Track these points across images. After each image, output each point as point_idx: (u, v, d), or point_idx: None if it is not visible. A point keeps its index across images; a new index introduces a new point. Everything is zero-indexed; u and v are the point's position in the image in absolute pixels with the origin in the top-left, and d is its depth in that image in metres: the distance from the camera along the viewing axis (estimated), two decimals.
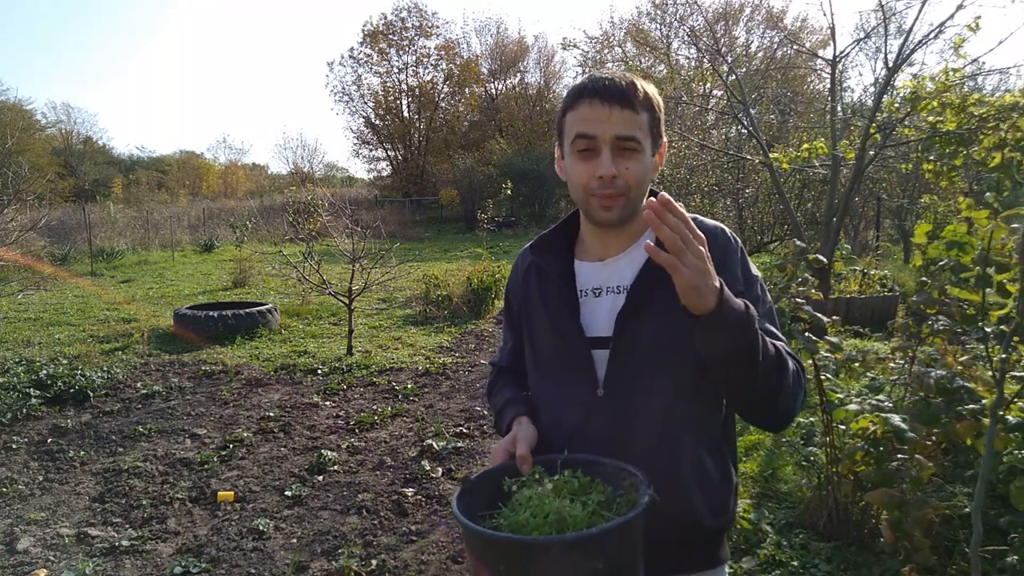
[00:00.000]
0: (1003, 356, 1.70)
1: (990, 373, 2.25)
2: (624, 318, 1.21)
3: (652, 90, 1.21)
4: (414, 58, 33.07)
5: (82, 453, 4.46)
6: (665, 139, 1.26)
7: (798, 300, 2.86)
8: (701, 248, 0.97)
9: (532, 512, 1.02)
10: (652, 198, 0.96)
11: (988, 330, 1.90)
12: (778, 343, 1.15)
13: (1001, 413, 1.93)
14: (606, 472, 1.11)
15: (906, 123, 6.13)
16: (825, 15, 20.38)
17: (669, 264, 0.95)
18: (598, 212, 1.21)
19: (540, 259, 1.34)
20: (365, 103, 33.92)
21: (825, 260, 3.05)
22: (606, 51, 25.62)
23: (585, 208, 1.24)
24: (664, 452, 1.19)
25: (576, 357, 1.25)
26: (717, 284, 1.00)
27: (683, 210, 0.97)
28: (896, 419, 2.35)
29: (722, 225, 1.29)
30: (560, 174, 1.30)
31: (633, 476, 1.07)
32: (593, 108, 1.17)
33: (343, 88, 34.59)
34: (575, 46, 24.75)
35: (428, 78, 33.20)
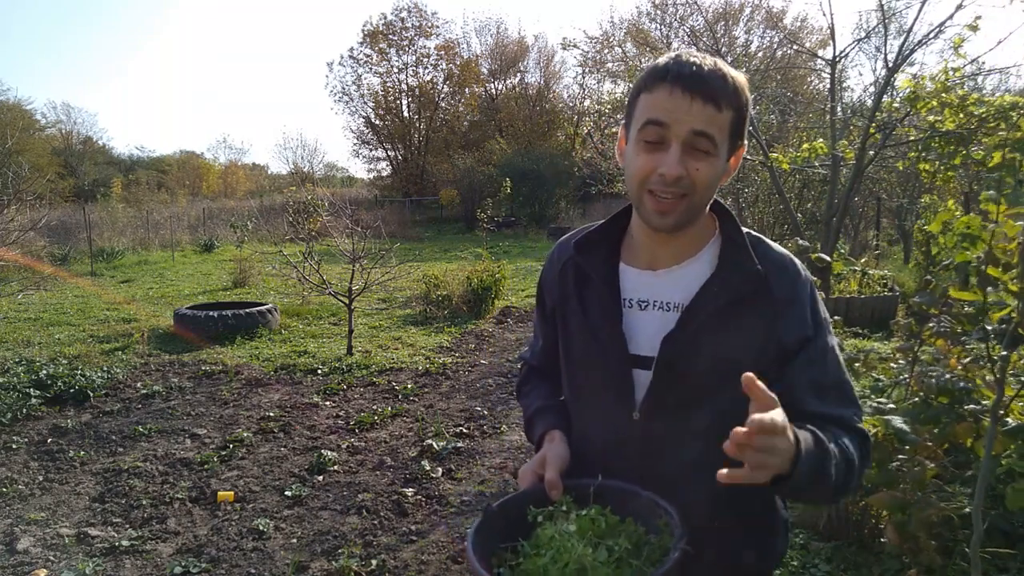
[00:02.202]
0: (1003, 354, 1.70)
1: (991, 376, 2.25)
2: (672, 341, 1.10)
3: (743, 82, 1.06)
4: (414, 58, 33.10)
5: (82, 453, 4.45)
6: (745, 142, 1.12)
7: None
8: (781, 436, 0.87)
9: (553, 557, 0.95)
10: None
11: (988, 328, 1.89)
12: (847, 444, 1.04)
13: (1001, 414, 1.93)
14: (640, 506, 1.02)
15: (906, 123, 6.13)
16: (825, 15, 20.41)
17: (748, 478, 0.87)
18: (652, 215, 1.08)
19: (583, 260, 1.19)
20: (365, 103, 33.95)
21: (828, 259, 3.04)
22: (606, 51, 25.61)
23: (638, 205, 1.11)
24: (700, 484, 1.03)
25: (614, 374, 1.14)
26: (792, 450, 0.90)
27: (769, 395, 0.87)
28: (898, 421, 2.35)
29: (791, 255, 1.15)
30: (619, 159, 1.16)
31: (669, 516, 0.97)
32: (673, 96, 1.02)
33: (343, 88, 34.59)
34: (575, 46, 24.73)
35: (428, 78, 33.22)
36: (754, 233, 1.17)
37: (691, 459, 1.10)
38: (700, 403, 1.10)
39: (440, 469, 4.18)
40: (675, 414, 1.11)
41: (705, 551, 0.98)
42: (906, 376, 2.88)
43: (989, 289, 1.84)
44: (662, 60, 1.06)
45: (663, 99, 1.03)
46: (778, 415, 0.87)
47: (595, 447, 1.19)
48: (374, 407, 5.39)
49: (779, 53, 18.27)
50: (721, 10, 21.43)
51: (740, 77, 1.06)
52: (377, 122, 34.12)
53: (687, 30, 12.27)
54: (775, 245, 1.17)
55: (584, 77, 32.20)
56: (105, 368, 6.25)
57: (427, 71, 33.22)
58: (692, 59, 1.04)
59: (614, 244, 1.21)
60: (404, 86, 33.32)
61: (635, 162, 1.08)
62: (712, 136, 1.03)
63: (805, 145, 6.43)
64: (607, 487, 1.06)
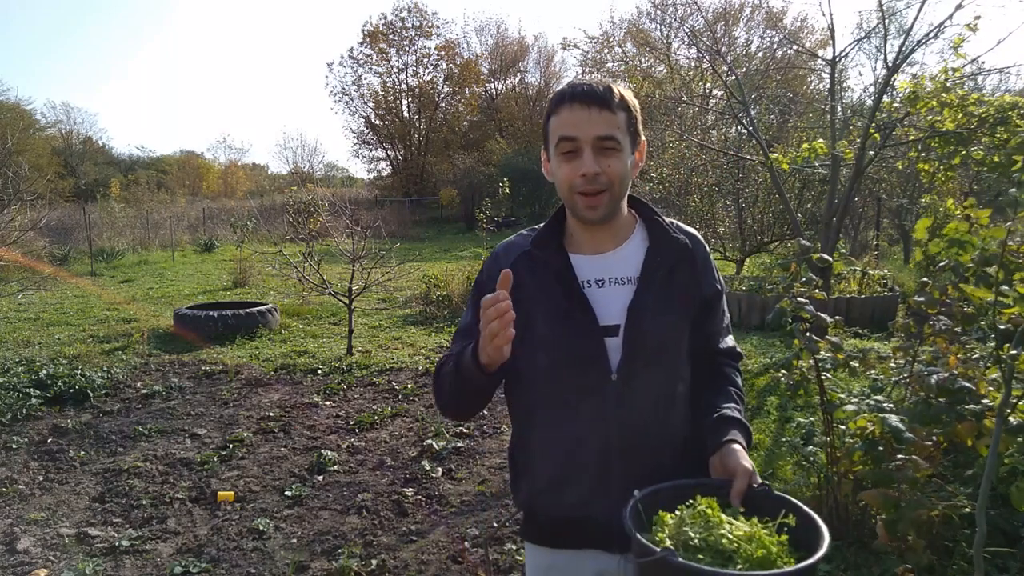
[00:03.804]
0: (1012, 352, 1.69)
1: (995, 375, 2.25)
2: (635, 306, 1.31)
3: (628, 93, 1.30)
4: (414, 58, 33.11)
5: (82, 453, 4.45)
6: (644, 138, 1.36)
7: (800, 300, 2.86)
8: (752, 470, 1.18)
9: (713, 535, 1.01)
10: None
11: (1001, 327, 1.89)
12: (739, 384, 1.43)
13: (1007, 413, 1.93)
14: (769, 505, 1.11)
15: (905, 123, 6.13)
16: (824, 15, 20.40)
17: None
18: (584, 211, 1.29)
19: (541, 252, 1.36)
20: (365, 103, 33.95)
21: (829, 259, 3.04)
22: (606, 51, 25.66)
23: (572, 207, 1.32)
24: (665, 428, 1.35)
25: (590, 345, 1.31)
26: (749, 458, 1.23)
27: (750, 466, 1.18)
28: (894, 419, 2.35)
29: (695, 231, 1.46)
30: (547, 176, 1.38)
31: (806, 515, 1.07)
32: (573, 112, 1.25)
33: (343, 88, 34.57)
34: (575, 46, 24.80)
35: (428, 78, 33.24)
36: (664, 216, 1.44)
37: (659, 411, 1.34)
38: (660, 359, 1.34)
39: (440, 469, 4.18)
40: (644, 371, 1.32)
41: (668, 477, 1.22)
42: (906, 376, 2.89)
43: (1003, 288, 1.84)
44: (559, 89, 1.31)
45: (567, 117, 1.26)
46: (746, 464, 1.19)
47: (577, 419, 1.32)
48: (374, 407, 5.39)
49: (779, 53, 18.28)
50: (721, 10, 21.44)
51: (626, 89, 1.30)
52: (377, 122, 34.12)
53: (687, 30, 12.27)
54: (684, 225, 1.45)
55: (584, 77, 32.19)
56: (105, 368, 6.25)
57: (427, 71, 33.28)
58: (582, 81, 1.29)
59: (559, 239, 1.39)
60: (404, 86, 33.35)
61: (559, 173, 1.30)
62: (614, 136, 1.26)
63: (805, 145, 6.43)
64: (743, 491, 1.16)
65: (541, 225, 1.43)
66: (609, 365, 1.30)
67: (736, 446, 1.24)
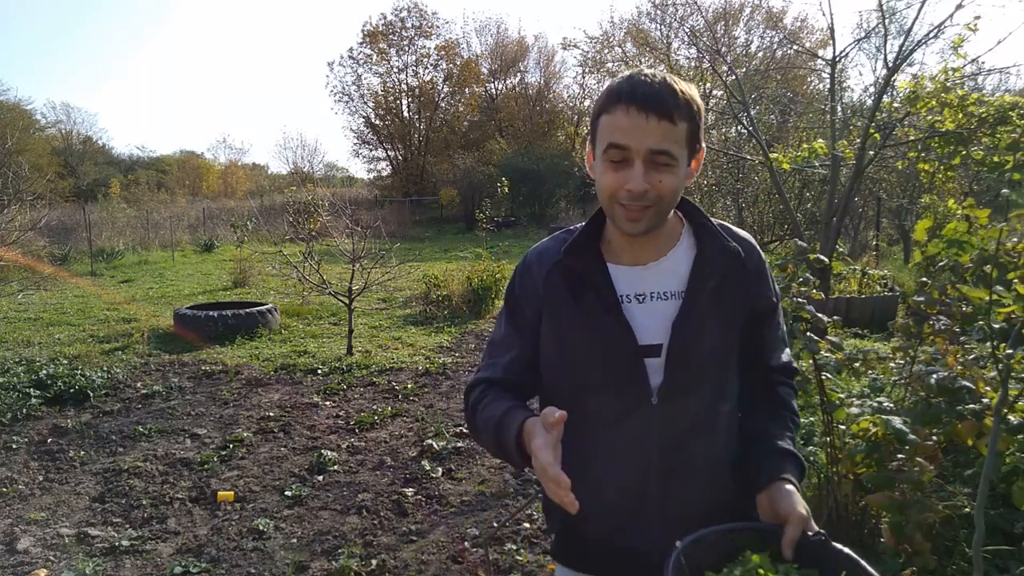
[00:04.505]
0: (1008, 352, 1.70)
1: (993, 373, 2.25)
2: (680, 325, 1.19)
3: (694, 93, 1.14)
4: (414, 58, 33.10)
5: (82, 453, 4.46)
6: (704, 145, 1.21)
7: (799, 300, 2.86)
8: (807, 515, 1.09)
9: None
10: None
11: (996, 326, 1.89)
12: (792, 407, 1.30)
13: (1004, 412, 1.93)
14: (832, 560, 1.03)
15: (905, 123, 6.13)
16: (824, 15, 20.40)
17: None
18: (624, 223, 1.16)
19: (576, 262, 1.24)
20: (365, 103, 33.95)
21: (827, 260, 3.04)
22: (606, 51, 25.59)
23: (611, 215, 1.20)
24: (708, 454, 1.24)
25: (627, 366, 1.20)
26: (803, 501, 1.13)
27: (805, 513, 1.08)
28: (897, 421, 2.35)
29: (749, 236, 1.31)
30: (589, 171, 1.24)
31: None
32: (630, 116, 1.09)
33: (343, 88, 34.56)
34: (575, 46, 24.72)
35: (428, 78, 33.22)
36: (712, 218, 1.28)
37: (702, 434, 1.23)
38: (707, 379, 1.22)
39: (440, 469, 4.18)
40: (687, 392, 1.20)
41: (714, 500, 1.18)
42: (905, 376, 2.89)
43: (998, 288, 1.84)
44: (617, 81, 1.13)
45: (621, 120, 1.10)
46: (801, 509, 1.08)
47: (609, 446, 1.22)
48: (374, 407, 5.39)
49: (779, 53, 18.26)
50: (721, 10, 21.41)
51: (690, 88, 1.13)
52: (377, 122, 34.12)
53: (687, 30, 12.26)
54: (737, 229, 1.30)
55: (584, 77, 32.17)
56: (105, 368, 6.25)
57: (427, 71, 33.26)
58: (644, 78, 1.11)
59: (595, 246, 1.27)
60: (404, 86, 33.34)
61: (603, 179, 1.16)
62: (670, 151, 1.10)
63: (805, 145, 6.43)
64: (803, 541, 1.06)
65: (577, 228, 1.29)
66: (649, 388, 1.19)
67: (789, 487, 1.13)
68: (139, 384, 5.95)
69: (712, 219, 1.27)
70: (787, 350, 1.35)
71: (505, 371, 1.31)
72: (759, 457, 1.21)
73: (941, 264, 1.96)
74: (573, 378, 1.24)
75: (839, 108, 9.64)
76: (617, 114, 1.11)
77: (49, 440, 4.68)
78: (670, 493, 1.21)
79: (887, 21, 6.69)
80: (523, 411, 1.17)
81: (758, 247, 1.29)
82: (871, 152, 6.26)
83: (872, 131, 6.07)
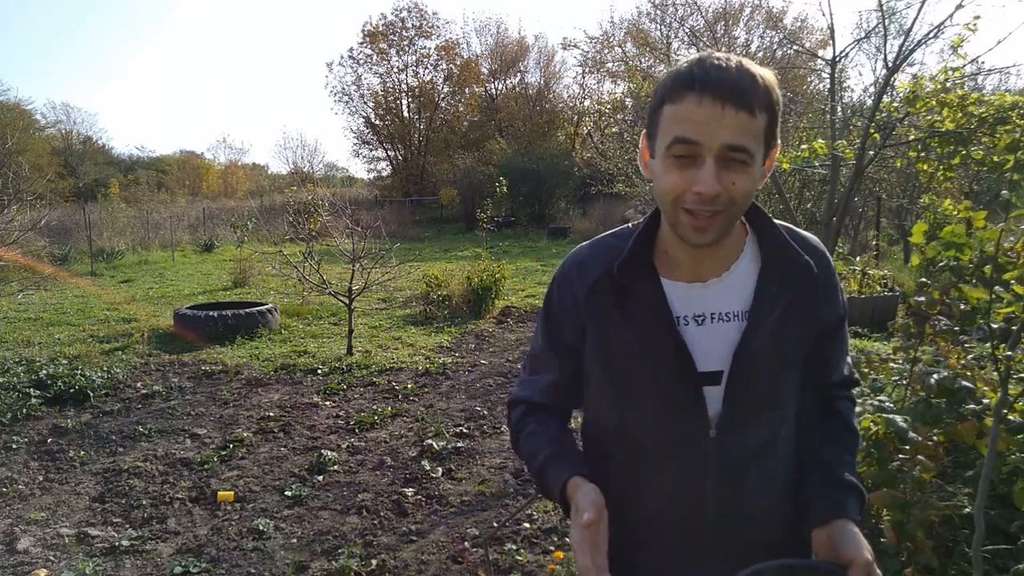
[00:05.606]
0: (1008, 353, 1.70)
1: (994, 373, 2.25)
2: (743, 352, 1.07)
3: (773, 81, 0.98)
4: (414, 58, 33.12)
5: (82, 453, 4.46)
6: (779, 141, 1.05)
7: None
8: (872, 559, 0.98)
9: None
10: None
11: (995, 326, 1.89)
12: (853, 429, 1.21)
13: (1004, 412, 1.94)
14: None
15: (905, 123, 6.13)
16: (824, 15, 20.39)
17: None
18: (689, 233, 1.00)
19: (627, 280, 1.09)
20: (365, 103, 33.97)
21: None
22: (606, 51, 25.63)
23: (673, 223, 1.03)
24: (768, 488, 1.12)
25: (685, 395, 1.08)
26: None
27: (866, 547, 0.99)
28: (898, 420, 2.35)
29: (813, 235, 1.16)
30: (642, 169, 1.09)
31: None
32: (702, 107, 0.94)
33: (343, 88, 34.59)
34: (575, 46, 24.77)
35: (428, 78, 33.24)
36: (778, 221, 1.14)
37: (763, 464, 1.11)
38: (770, 407, 1.11)
39: (440, 469, 4.18)
40: (747, 422, 1.09)
41: (781, 541, 1.10)
42: (906, 376, 2.89)
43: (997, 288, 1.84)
44: (685, 65, 0.98)
45: (692, 111, 0.95)
46: (866, 554, 0.98)
47: (660, 481, 1.12)
48: (374, 407, 5.39)
49: (779, 53, 18.24)
50: (721, 10, 21.42)
51: (768, 74, 0.98)
52: (377, 122, 34.14)
53: (687, 30, 12.27)
54: (805, 233, 1.15)
55: (584, 77, 32.20)
56: (105, 368, 6.25)
57: (427, 71, 33.28)
58: (717, 61, 0.95)
59: (649, 258, 1.12)
60: (404, 86, 33.36)
61: (666, 180, 1.00)
62: (747, 148, 0.95)
63: (804, 145, 6.43)
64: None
65: (627, 233, 1.14)
66: (707, 419, 1.07)
67: (853, 527, 1.02)
68: (139, 384, 5.95)
69: (777, 223, 1.12)
70: (848, 360, 1.23)
71: (544, 396, 1.22)
72: (820, 488, 1.10)
73: (941, 264, 1.96)
74: (621, 407, 1.12)
75: (839, 108, 9.64)
76: (686, 103, 0.95)
77: (49, 440, 4.68)
78: (727, 525, 1.11)
79: (887, 21, 6.69)
80: (565, 466, 1.09)
81: (828, 254, 1.15)
82: (871, 152, 6.26)
83: (872, 131, 6.07)
